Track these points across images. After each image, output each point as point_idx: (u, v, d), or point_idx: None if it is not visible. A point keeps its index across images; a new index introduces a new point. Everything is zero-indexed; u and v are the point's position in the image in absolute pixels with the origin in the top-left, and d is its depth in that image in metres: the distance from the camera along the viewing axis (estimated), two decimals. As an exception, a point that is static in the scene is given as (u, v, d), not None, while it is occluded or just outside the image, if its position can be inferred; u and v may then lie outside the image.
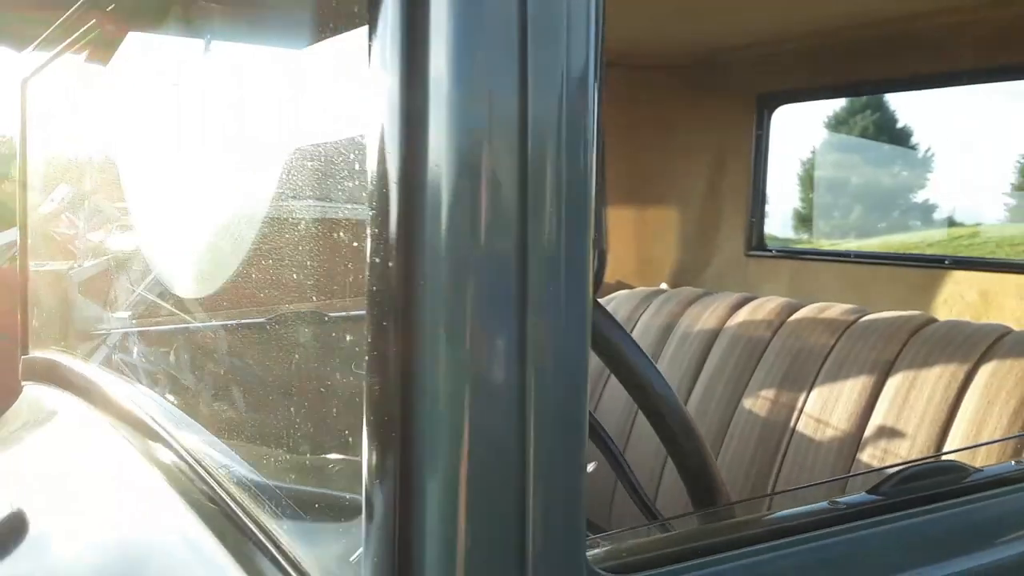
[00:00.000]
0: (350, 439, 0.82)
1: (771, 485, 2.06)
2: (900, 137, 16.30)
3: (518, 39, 0.68)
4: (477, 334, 0.69)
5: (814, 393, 2.05)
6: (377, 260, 0.70)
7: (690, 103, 3.31)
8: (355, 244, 0.77)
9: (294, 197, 0.98)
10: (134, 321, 1.62)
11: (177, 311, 1.41)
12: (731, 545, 0.88)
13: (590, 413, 0.83)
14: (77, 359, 1.82)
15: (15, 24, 2.05)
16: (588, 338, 0.73)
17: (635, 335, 2.31)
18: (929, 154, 16.19)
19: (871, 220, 16.75)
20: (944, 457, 1.76)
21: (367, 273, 0.72)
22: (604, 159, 0.73)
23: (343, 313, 0.86)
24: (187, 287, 1.36)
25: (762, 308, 2.33)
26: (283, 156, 1.01)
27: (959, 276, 2.73)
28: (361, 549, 0.76)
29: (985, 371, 1.81)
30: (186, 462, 1.16)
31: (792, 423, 2.07)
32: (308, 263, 0.99)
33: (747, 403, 2.18)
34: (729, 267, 3.29)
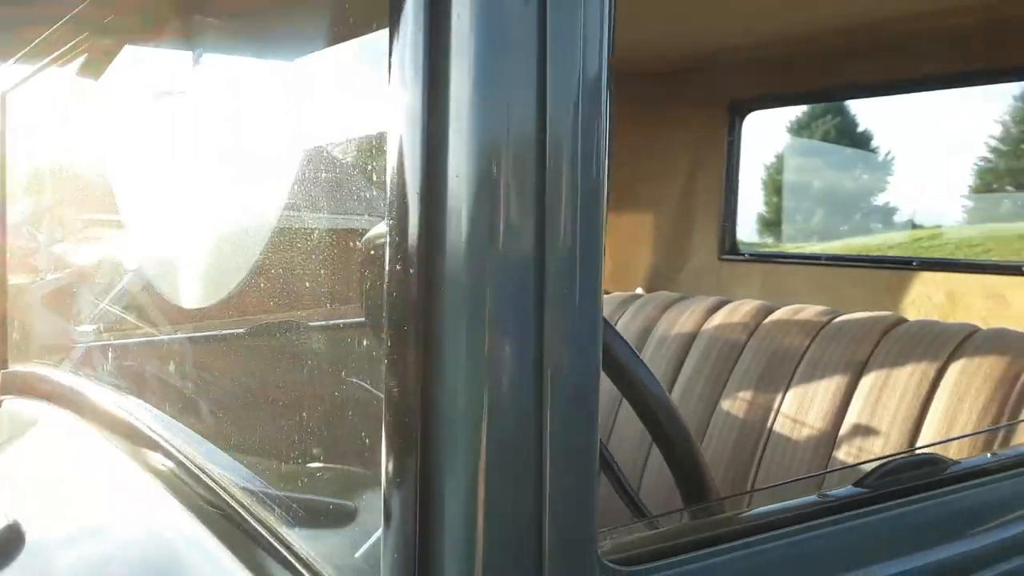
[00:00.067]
0: (367, 441, 0.84)
1: (750, 484, 2.10)
2: (861, 141, 16.61)
3: (537, 50, 0.70)
4: (495, 340, 0.71)
5: (790, 393, 2.10)
6: (398, 268, 0.73)
7: (663, 110, 3.36)
8: (373, 253, 0.79)
9: (314, 208, 0.99)
10: (138, 330, 1.62)
11: (181, 321, 1.41)
12: (735, 535, 0.91)
13: None
14: (59, 371, 1.82)
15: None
16: (600, 342, 0.75)
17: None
18: (889, 157, 16.52)
19: (833, 223, 17.01)
20: (920, 451, 1.81)
21: (387, 280, 0.74)
22: (612, 167, 0.76)
23: (358, 319, 0.88)
24: (200, 296, 1.36)
25: (738, 311, 2.37)
26: (304, 167, 1.02)
27: (927, 277, 2.80)
28: (367, 546, 0.78)
29: (955, 369, 1.87)
30: (190, 471, 1.17)
31: (769, 423, 2.11)
32: (322, 272, 1.01)
33: (725, 404, 2.22)
34: (703, 271, 3.34)
